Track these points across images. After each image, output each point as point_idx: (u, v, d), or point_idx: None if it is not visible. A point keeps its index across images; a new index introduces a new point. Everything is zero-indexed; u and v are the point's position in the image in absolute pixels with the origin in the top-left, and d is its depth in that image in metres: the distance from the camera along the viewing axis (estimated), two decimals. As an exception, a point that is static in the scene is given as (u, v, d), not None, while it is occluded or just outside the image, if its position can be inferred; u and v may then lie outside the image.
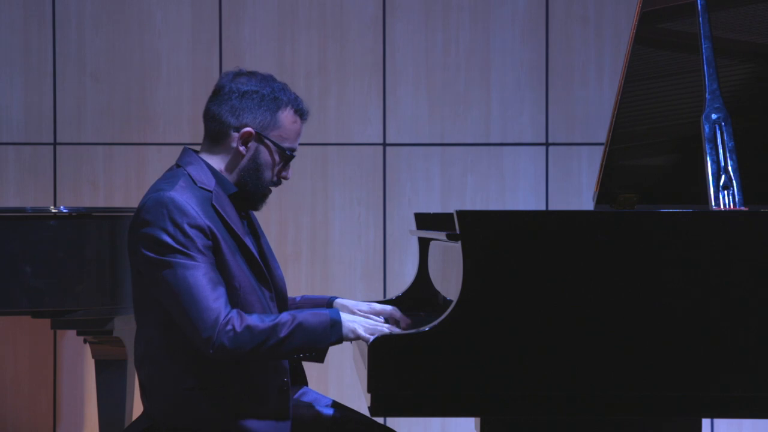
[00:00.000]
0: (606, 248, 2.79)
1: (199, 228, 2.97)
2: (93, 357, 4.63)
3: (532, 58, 5.51)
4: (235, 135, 3.10)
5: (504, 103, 5.51)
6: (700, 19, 3.15)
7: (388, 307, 3.34)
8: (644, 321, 2.78)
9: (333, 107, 5.50)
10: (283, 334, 2.93)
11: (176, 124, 5.48)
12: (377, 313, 3.31)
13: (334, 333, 2.97)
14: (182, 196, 3.00)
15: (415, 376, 2.77)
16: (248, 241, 3.09)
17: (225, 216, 3.05)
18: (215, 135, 3.12)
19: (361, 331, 2.97)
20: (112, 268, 4.38)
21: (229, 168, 3.13)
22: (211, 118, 3.12)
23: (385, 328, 3.00)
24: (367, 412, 3.04)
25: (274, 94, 3.11)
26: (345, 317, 2.99)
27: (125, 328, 4.52)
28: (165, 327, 3.02)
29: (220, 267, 3.01)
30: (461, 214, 2.80)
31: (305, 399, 3.32)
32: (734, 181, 3.03)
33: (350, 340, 3.00)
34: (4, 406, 5.43)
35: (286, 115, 3.13)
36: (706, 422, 5.47)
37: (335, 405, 3.31)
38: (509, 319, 2.77)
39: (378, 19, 5.51)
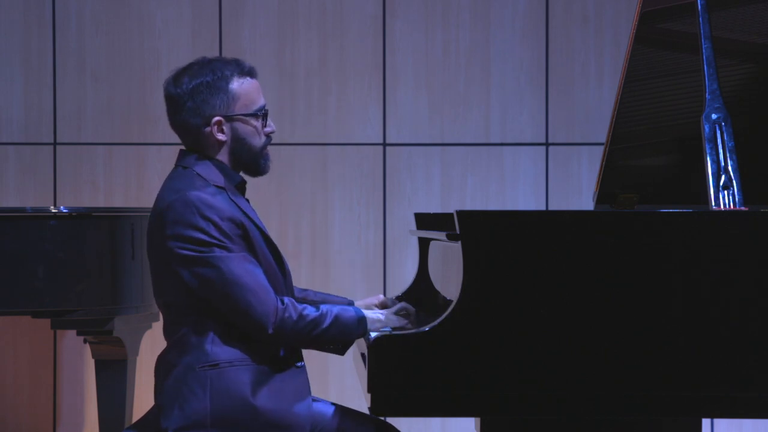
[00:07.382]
0: (606, 248, 2.79)
1: (229, 220, 3.06)
2: (93, 357, 4.63)
3: (532, 58, 5.51)
4: (208, 129, 3.16)
5: (504, 103, 5.51)
6: (700, 19, 3.15)
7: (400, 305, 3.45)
8: (644, 321, 2.78)
9: (333, 107, 5.50)
10: (325, 324, 3.06)
11: (176, 124, 5.48)
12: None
13: (361, 328, 3.10)
14: (206, 193, 3.08)
15: (415, 376, 2.77)
16: (266, 230, 3.18)
17: (243, 208, 3.13)
18: (194, 139, 3.20)
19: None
20: (112, 268, 4.38)
21: (222, 156, 3.19)
22: (180, 128, 3.21)
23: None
24: (367, 413, 3.04)
25: (214, 74, 3.14)
26: (368, 314, 3.14)
27: (125, 328, 4.52)
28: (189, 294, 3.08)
29: (250, 254, 3.09)
30: (461, 214, 2.80)
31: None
32: (734, 181, 3.03)
33: None
34: (4, 406, 5.42)
35: (237, 85, 3.17)
36: (706, 422, 5.47)
37: (334, 405, 3.33)
38: (509, 319, 2.77)
39: (378, 19, 5.50)
